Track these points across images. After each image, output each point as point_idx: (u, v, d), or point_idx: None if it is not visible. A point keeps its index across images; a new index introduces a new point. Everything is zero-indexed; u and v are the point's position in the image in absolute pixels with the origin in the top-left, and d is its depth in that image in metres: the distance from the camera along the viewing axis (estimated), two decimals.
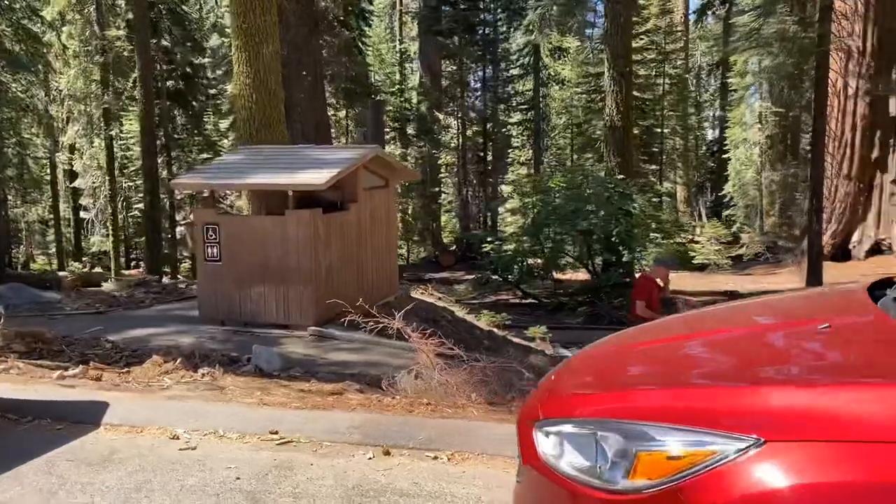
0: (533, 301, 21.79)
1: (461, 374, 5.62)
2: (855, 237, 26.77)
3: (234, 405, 5.52)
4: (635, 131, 29.66)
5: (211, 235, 11.07)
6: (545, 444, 2.51)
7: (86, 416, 5.31)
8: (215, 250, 11.12)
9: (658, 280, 8.84)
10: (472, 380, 5.76)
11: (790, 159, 39.85)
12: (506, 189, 38.98)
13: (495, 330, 13.67)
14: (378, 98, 31.51)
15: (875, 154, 26.29)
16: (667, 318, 4.56)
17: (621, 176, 20.94)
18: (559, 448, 2.43)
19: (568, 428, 2.45)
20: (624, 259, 20.38)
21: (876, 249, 26.28)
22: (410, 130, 36.80)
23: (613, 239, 19.88)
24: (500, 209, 27.00)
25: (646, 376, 2.82)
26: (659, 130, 35.20)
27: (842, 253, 26.48)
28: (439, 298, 15.59)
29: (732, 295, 18.81)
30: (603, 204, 19.52)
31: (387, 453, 4.47)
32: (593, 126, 34.25)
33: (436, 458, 4.32)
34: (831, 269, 21.94)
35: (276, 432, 4.78)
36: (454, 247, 37.19)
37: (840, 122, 27.15)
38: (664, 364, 2.80)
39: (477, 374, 5.77)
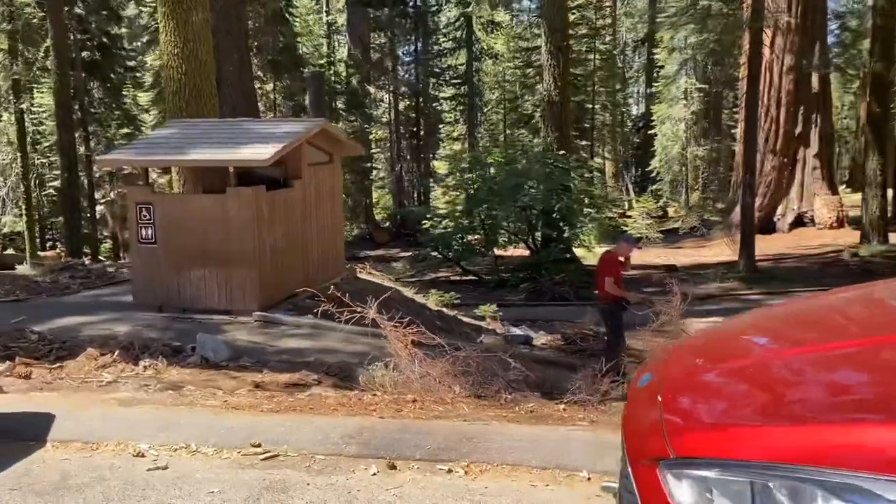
0: (473, 278, 21.47)
1: (442, 364, 5.17)
2: (779, 210, 27.46)
3: (198, 410, 4.80)
4: None
5: (145, 216, 10.21)
6: (682, 492, 1.86)
7: (27, 431, 4.48)
8: (150, 231, 10.28)
9: (621, 258, 8.58)
10: (453, 370, 5.32)
11: (714, 134, 40.72)
12: (439, 165, 38.57)
13: (444, 310, 13.25)
14: (308, 70, 30.41)
15: (799, 129, 26.94)
16: (778, 311, 3.51)
17: (561, 151, 20.69)
18: (706, 500, 1.82)
19: (724, 474, 1.80)
20: (565, 235, 20.22)
21: (799, 222, 27.04)
22: (340, 104, 35.75)
23: (555, 215, 19.68)
24: (438, 185, 26.50)
25: (836, 401, 2.05)
26: (590, 106, 35.29)
27: (767, 226, 27.14)
28: (387, 278, 15.04)
29: (669, 268, 18.88)
30: (543, 179, 19.27)
31: (392, 467, 3.85)
32: (527, 101, 34.04)
33: (450, 471, 3.74)
34: (758, 241, 22.27)
35: (259, 445, 4.04)
36: (388, 223, 36.55)
37: (766, 98, 27.65)
38: (863, 383, 2.12)
39: (459, 364, 5.32)
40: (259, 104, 28.60)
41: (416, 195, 37.67)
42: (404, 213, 26.48)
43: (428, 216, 23.45)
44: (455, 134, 38.00)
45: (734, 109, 39.96)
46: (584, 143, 35.64)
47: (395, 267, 25.07)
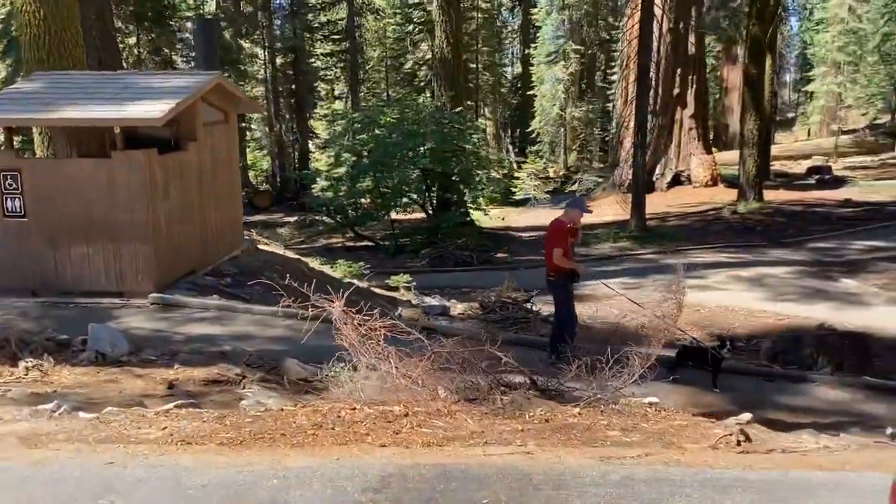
0: (369, 244, 20.48)
1: (422, 363, 4.29)
2: (658, 170, 27.99)
3: (140, 453, 3.47)
4: None
5: (10, 185, 8.54)
6: None
7: None
8: (17, 203, 8.63)
9: (571, 225, 7.93)
10: (432, 367, 4.46)
11: (591, 95, 41.20)
12: (318, 125, 36.78)
13: (356, 281, 12.25)
14: (177, 21, 27.84)
15: (676, 90, 27.45)
16: None
17: (457, 110, 19.89)
18: None
19: None
20: (465, 198, 19.56)
21: (676, 181, 27.70)
22: None
23: (454, 177, 18.96)
24: (323, 147, 25.06)
25: None
26: (474, 66, 34.58)
27: (647, 185, 27.64)
28: (281, 246, 13.81)
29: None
30: (441, 140, 18.42)
31: None
32: (410, 59, 32.87)
33: None
34: (629, 198, 22.49)
35: None
36: (267, 187, 34.57)
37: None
38: None
39: (438, 359, 4.46)
40: (122, 60, 25.87)
41: (295, 156, 35.82)
42: (307, 177, 24.57)
43: (318, 179, 22.06)
44: (336, 92, 36.29)
45: (608, 71, 40.56)
46: (468, 102, 34.93)
47: (280, 233, 23.62)
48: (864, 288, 13.54)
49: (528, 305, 11.64)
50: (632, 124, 27.53)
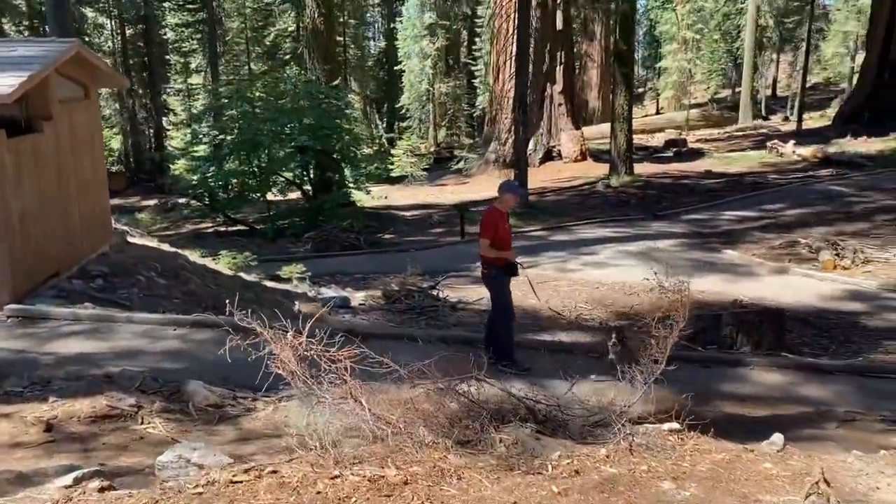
0: (243, 228, 18.95)
1: (393, 400, 3.41)
2: (531, 145, 27.97)
3: None
4: None
5: None
6: None
7: None
8: None
9: (505, 210, 7.15)
10: (400, 396, 3.61)
11: (458, 71, 40.79)
12: (172, 102, 34.08)
13: (243, 275, 11.00)
14: None
15: (545, 66, 27.45)
16: None
17: (333, 84, 18.68)
18: None
19: None
20: (346, 177, 18.46)
21: (548, 156, 27.86)
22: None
23: (336, 156, 17.81)
24: (194, 125, 23.04)
25: None
26: (341, 39, 33.08)
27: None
28: (152, 238, 12.25)
29: (461, 207, 18.00)
30: (320, 116, 17.20)
31: None
32: (273, 31, 30.92)
33: None
34: (511, 175, 22.33)
35: None
36: (120, 168, 31.62)
37: (513, 35, 27.72)
38: None
39: (411, 384, 3.61)
40: None
41: (150, 134, 32.98)
42: (170, 157, 22.38)
43: (181, 160, 20.15)
44: (193, 66, 33.63)
45: (473, 47, 40.26)
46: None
47: (140, 219, 21.50)
48: (747, 259, 13.83)
49: (435, 292, 10.91)
50: (505, 100, 27.48)
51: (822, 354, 8.63)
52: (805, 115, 32.96)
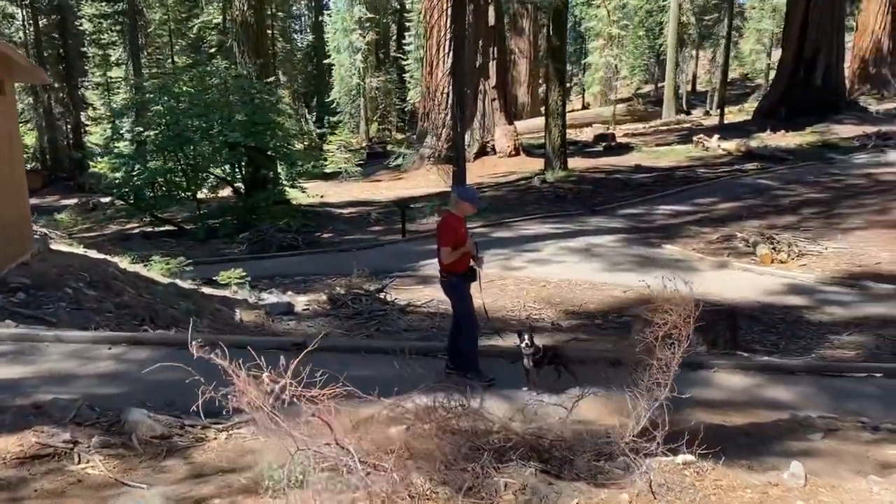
0: (172, 228, 17.98)
1: (385, 445, 2.97)
2: (466, 140, 27.72)
3: None
4: None
5: None
6: None
7: None
8: None
9: (462, 214, 6.77)
10: (386, 431, 3.18)
11: (388, 65, 40.18)
12: (91, 96, 32.32)
13: (179, 282, 10.26)
14: None
15: (478, 62, 27.20)
16: None
17: (268, 80, 17.88)
18: None
19: None
20: (280, 175, 17.72)
21: (483, 151, 27.66)
22: None
23: (270, 153, 17.05)
24: (116, 120, 21.73)
25: None
26: (269, 32, 31.95)
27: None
28: (84, 245, 11.35)
29: (402, 203, 17.46)
30: (253, 112, 16.42)
31: None
32: (197, 23, 29.58)
33: None
34: (449, 170, 22.04)
35: None
36: (36, 165, 29.73)
37: (446, 30, 27.34)
38: None
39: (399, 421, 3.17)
40: None
41: (67, 130, 31.15)
42: (91, 154, 20.99)
43: (103, 157, 18.95)
44: (113, 58, 31.88)
45: (402, 41, 39.74)
46: None
47: (60, 219, 20.22)
48: (686, 253, 13.89)
49: (383, 295, 10.45)
50: (440, 95, 27.10)
51: (774, 352, 8.62)
52: (725, 110, 33.81)
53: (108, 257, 10.07)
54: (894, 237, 13.60)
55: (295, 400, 3.06)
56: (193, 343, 3.73)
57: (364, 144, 35.04)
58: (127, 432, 5.07)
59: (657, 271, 12.72)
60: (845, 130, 26.57)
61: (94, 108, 31.66)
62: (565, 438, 3.34)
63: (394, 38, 43.44)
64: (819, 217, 15.68)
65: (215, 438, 5.12)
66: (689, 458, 3.21)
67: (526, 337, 6.30)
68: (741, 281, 11.94)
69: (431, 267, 13.36)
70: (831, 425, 4.97)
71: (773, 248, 12.99)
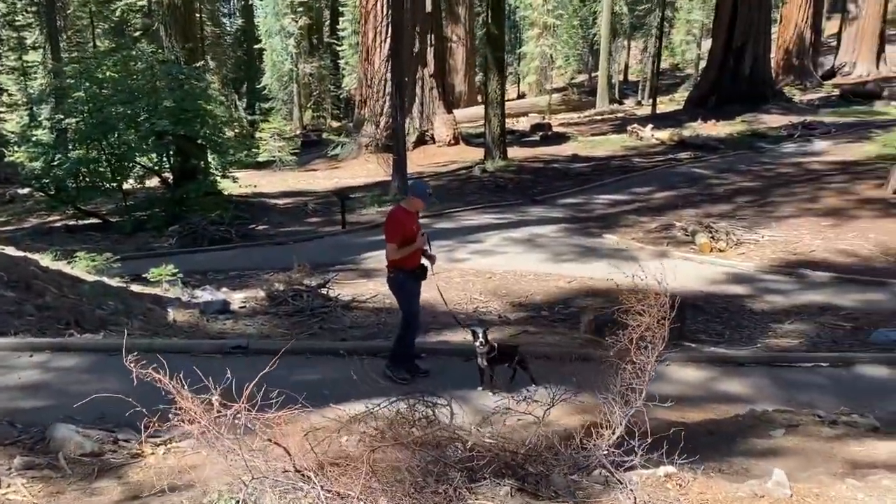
0: (97, 221, 17.07)
1: (352, 472, 2.69)
2: (405, 129, 27.29)
3: None
4: None
5: None
6: None
7: None
8: None
9: (411, 210, 6.49)
10: (345, 450, 2.91)
11: (322, 51, 39.31)
12: (5, 81, 30.57)
13: (106, 279, 9.64)
14: None
15: (416, 48, 26.80)
16: None
17: (197, 65, 17.12)
18: None
19: None
20: (211, 164, 17.03)
21: (421, 140, 27.29)
22: None
23: (200, 141, 16.35)
24: (33, 107, 20.50)
25: None
26: (197, 15, 30.74)
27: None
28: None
29: (341, 194, 16.99)
30: (182, 99, 15.69)
31: None
32: (119, 5, 28.21)
33: None
34: (389, 160, 21.73)
35: None
36: None
37: (384, 16, 26.83)
38: None
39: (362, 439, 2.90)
40: None
41: None
42: (6, 142, 19.71)
43: (22, 146, 17.85)
44: (29, 41, 30.12)
45: (336, 27, 38.94)
46: None
47: None
48: (626, 242, 13.96)
49: (325, 291, 10.09)
50: (378, 82, 26.61)
51: (720, 341, 8.67)
52: (657, 100, 34.37)
53: (27, 254, 9.39)
54: (826, 225, 13.98)
55: (248, 425, 2.76)
56: (128, 358, 3.38)
57: (298, 132, 34.19)
58: (53, 451, 4.66)
59: (599, 261, 12.79)
60: (773, 120, 27.35)
61: (10, 94, 29.93)
62: (539, 452, 3.13)
63: (327, 23, 42.53)
64: (753, 205, 16.01)
65: (152, 454, 4.75)
66: (671, 469, 3.06)
67: (480, 334, 6.11)
68: (682, 270, 12.00)
69: (374, 260, 13.05)
70: (791, 420, 4.95)
71: (712, 237, 13.15)
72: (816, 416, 5.10)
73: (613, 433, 3.23)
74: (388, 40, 22.88)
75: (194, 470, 4.22)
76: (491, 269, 12.27)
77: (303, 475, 2.65)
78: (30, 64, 29.64)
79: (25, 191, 18.41)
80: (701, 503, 2.81)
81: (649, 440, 3.13)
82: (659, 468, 3.07)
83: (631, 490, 2.78)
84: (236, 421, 2.79)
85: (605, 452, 3.09)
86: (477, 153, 24.19)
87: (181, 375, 3.42)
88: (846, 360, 7.13)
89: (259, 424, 2.75)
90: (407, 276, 6.43)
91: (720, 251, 12.79)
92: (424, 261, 6.57)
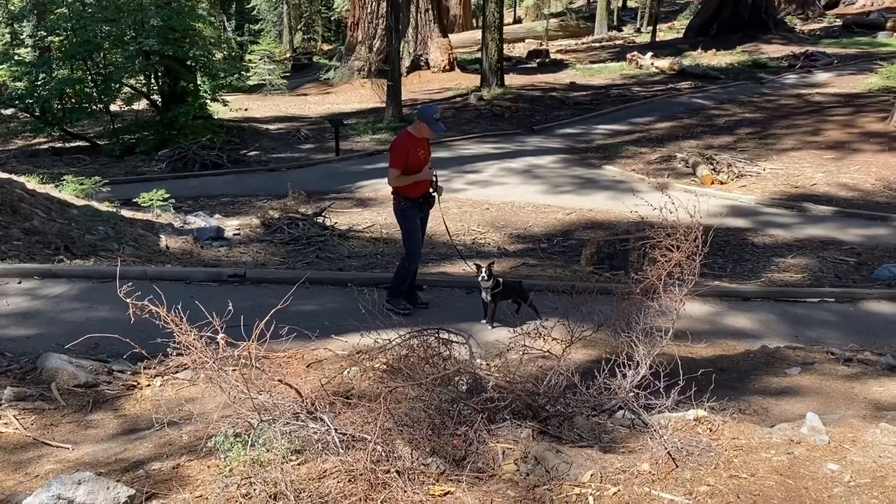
0: (84, 144, 16.57)
1: (371, 411, 2.50)
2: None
3: None
4: None
5: None
6: None
7: None
8: None
9: (419, 135, 6.07)
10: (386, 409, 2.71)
11: None
12: None
13: (95, 204, 9.31)
14: None
15: None
16: None
17: None
18: None
19: None
20: (201, 87, 16.44)
21: (415, 65, 26.51)
22: None
23: (190, 63, 15.72)
24: (16, 24, 19.63)
25: None
26: None
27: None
28: None
29: (334, 121, 16.45)
30: (170, 17, 14.98)
31: None
32: None
33: None
34: (384, 85, 21.12)
35: None
36: None
37: None
38: None
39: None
40: None
41: None
42: (24, 70, 18.78)
43: (3, 65, 17.12)
44: None
45: None
46: None
47: None
48: (627, 174, 13.69)
49: (321, 220, 9.83)
50: (370, 3, 25.69)
51: (722, 275, 8.52)
52: (657, 27, 33.41)
53: (12, 176, 9.03)
54: (828, 158, 13.73)
55: (255, 366, 2.55)
56: (122, 288, 3.13)
57: (288, 55, 33.20)
58: (45, 381, 4.48)
59: (599, 193, 12.58)
60: (774, 50, 26.69)
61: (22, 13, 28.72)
62: (561, 392, 2.95)
63: None
64: (754, 137, 15.69)
65: (149, 385, 4.58)
66: (701, 412, 2.89)
67: (484, 269, 5.90)
68: (683, 203, 11.82)
69: (369, 189, 12.79)
70: (806, 358, 4.82)
71: (713, 169, 12.91)
72: (830, 354, 4.98)
73: (637, 372, 3.05)
74: None
75: (192, 403, 4.04)
76: (489, 200, 12.05)
77: (315, 416, 2.46)
78: None
79: (9, 111, 17.76)
80: (735, 449, 2.65)
81: (680, 381, 2.94)
82: (689, 411, 2.91)
83: (660, 435, 2.60)
84: (242, 360, 2.57)
85: (631, 393, 2.91)
86: (472, 80, 23.56)
87: (179, 307, 3.19)
88: (853, 296, 7.00)
89: (266, 363, 2.53)
90: (410, 205, 6.15)
91: (721, 183, 12.57)
92: (432, 191, 6.26)
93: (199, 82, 16.37)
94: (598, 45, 33.81)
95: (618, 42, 33.76)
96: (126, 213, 9.46)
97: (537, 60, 29.04)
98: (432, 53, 26.20)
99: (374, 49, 25.53)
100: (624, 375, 3.08)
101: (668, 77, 23.89)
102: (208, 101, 16.98)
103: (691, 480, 2.37)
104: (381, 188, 10.81)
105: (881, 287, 7.51)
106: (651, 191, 12.77)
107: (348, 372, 3.42)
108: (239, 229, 9.89)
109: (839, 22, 31.71)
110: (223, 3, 38.80)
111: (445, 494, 2.27)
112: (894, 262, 8.62)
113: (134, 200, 10.12)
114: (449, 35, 29.89)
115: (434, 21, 26.35)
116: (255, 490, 2.39)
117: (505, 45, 32.09)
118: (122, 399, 4.39)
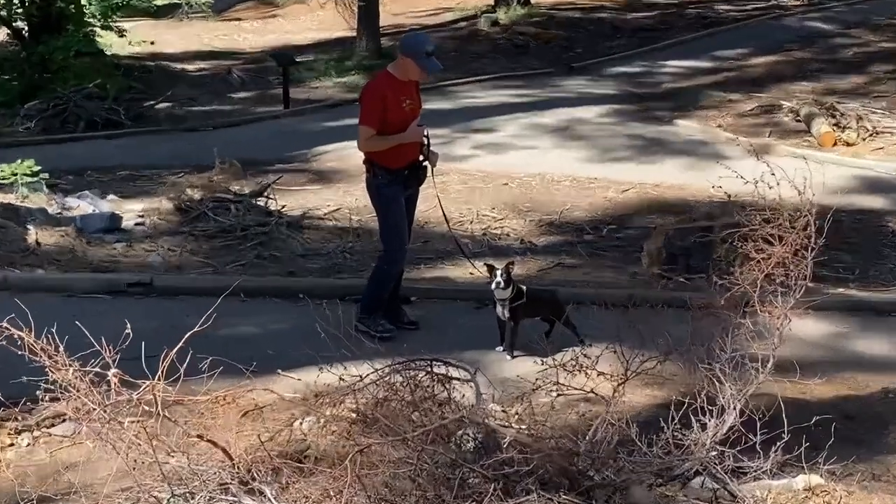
0: None
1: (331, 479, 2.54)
2: None
3: None
4: None
5: None
6: None
7: None
8: None
9: (410, 80, 5.99)
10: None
11: None
12: None
13: None
14: None
15: None
16: None
17: None
18: None
19: None
20: (85, 10, 16.67)
21: None
22: None
23: None
24: None
25: None
26: None
27: None
28: None
29: (282, 58, 16.59)
30: None
31: None
32: None
33: None
34: (352, 5, 21.26)
35: None
36: None
37: None
38: None
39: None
40: None
41: None
42: None
43: None
44: None
45: None
46: None
47: None
48: (710, 132, 13.88)
49: (263, 202, 9.98)
50: None
51: (849, 279, 8.61)
52: None
53: None
54: None
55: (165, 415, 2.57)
56: None
57: None
58: None
59: (669, 160, 12.76)
60: None
61: None
62: (610, 451, 3.00)
63: None
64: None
65: (11, 445, 4.70)
66: (816, 479, 2.94)
67: (499, 273, 5.96)
68: (792, 173, 11.91)
69: (334, 156, 12.95)
70: None
71: (837, 125, 13.03)
72: None
73: (722, 423, 3.10)
74: None
75: (74, 470, 4.12)
76: (507, 172, 12.23)
77: (252, 489, 2.49)
78: None
79: None
80: None
81: (785, 434, 2.99)
82: (797, 477, 2.96)
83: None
84: (145, 407, 2.61)
85: (714, 452, 2.96)
86: None
87: (54, 329, 3.23)
88: None
89: (181, 410, 2.57)
90: (390, 179, 6.13)
91: (848, 145, 12.68)
92: (423, 159, 6.29)
93: (82, 2, 16.56)
94: None
95: None
96: None
97: None
98: None
99: None
100: (703, 426, 3.14)
101: None
102: (97, 30, 17.21)
103: None
104: (352, 155, 10.90)
105: None
106: (745, 156, 12.83)
107: (301, 423, 3.47)
108: (143, 216, 10.09)
109: None
110: None
111: None
112: None
113: None
114: None
115: None
116: None
117: None
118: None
